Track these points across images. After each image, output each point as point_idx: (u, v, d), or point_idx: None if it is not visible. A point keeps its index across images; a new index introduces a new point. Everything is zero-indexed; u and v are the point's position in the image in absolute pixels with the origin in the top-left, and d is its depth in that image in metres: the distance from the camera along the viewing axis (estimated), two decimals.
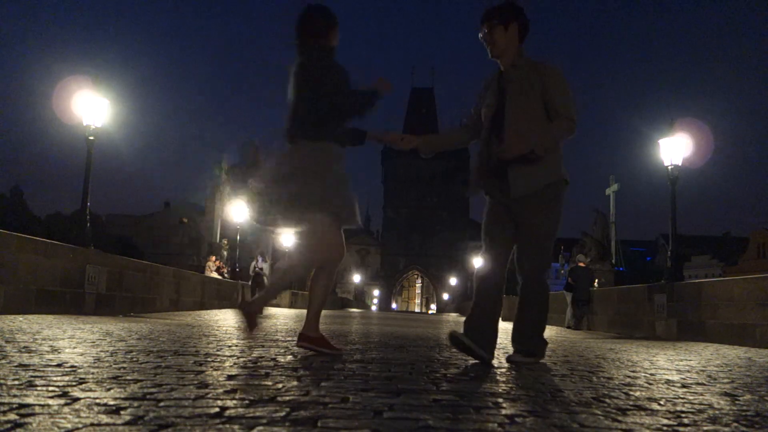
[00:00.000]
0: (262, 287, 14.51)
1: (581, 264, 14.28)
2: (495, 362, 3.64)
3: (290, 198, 3.35)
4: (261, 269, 14.78)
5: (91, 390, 1.97)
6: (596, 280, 16.40)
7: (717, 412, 2.06)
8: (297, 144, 3.42)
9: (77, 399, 1.79)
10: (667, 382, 2.98)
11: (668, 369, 3.81)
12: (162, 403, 1.78)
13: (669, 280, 10.43)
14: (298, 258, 3.60)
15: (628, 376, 3.17)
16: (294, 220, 3.46)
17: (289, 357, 3.44)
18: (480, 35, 3.57)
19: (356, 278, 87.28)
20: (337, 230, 3.46)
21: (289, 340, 5.00)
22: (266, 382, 2.32)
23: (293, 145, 3.43)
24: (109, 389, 2.01)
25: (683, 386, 2.80)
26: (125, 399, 1.83)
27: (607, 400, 2.19)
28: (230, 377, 2.44)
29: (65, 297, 8.63)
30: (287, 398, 1.96)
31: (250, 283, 15.64)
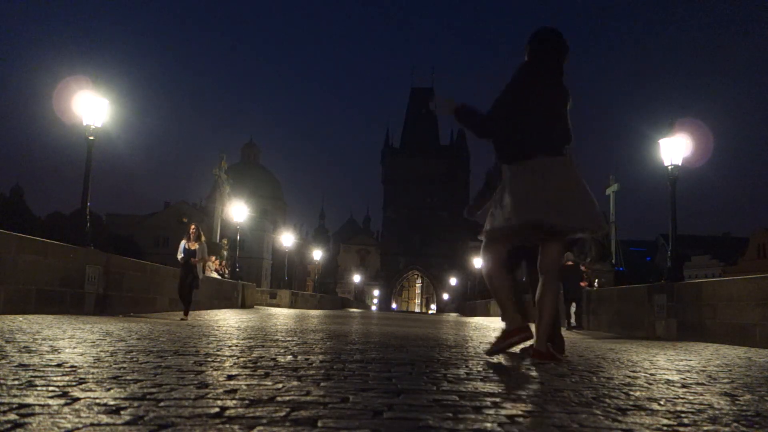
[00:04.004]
0: (193, 279, 9.86)
1: (569, 263, 14.32)
2: (494, 362, 3.64)
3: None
4: (193, 253, 9.86)
5: (91, 390, 1.97)
6: (596, 280, 16.37)
7: (717, 412, 2.06)
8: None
9: (77, 399, 1.79)
10: (667, 382, 2.98)
11: (668, 369, 3.81)
12: (162, 403, 1.78)
13: (669, 280, 10.42)
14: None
15: (628, 376, 3.17)
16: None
17: (289, 357, 3.44)
18: None
19: (356, 278, 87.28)
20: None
21: (289, 340, 5.00)
22: (266, 382, 2.32)
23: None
24: (109, 389, 2.01)
25: (683, 386, 2.80)
26: (125, 399, 1.83)
27: (607, 400, 2.19)
28: (230, 377, 2.44)
29: (65, 297, 8.63)
30: (287, 398, 1.96)
31: (180, 271, 10.09)
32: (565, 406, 2.02)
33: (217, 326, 7.45)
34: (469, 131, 3.85)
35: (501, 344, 3.64)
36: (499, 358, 3.77)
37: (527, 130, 3.61)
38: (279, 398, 1.96)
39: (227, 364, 2.96)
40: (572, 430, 1.64)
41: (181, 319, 8.98)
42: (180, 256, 10.02)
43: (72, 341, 3.94)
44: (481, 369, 3.25)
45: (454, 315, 40.87)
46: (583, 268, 14.83)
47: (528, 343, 3.73)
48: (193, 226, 10.30)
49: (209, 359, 3.14)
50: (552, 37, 3.76)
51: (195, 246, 9.91)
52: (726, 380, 3.21)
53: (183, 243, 10.03)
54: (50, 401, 1.74)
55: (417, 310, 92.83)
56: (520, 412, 1.89)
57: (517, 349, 3.94)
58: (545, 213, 3.41)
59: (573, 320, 13.75)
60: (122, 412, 1.63)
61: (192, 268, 9.87)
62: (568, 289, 13.80)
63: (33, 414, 1.56)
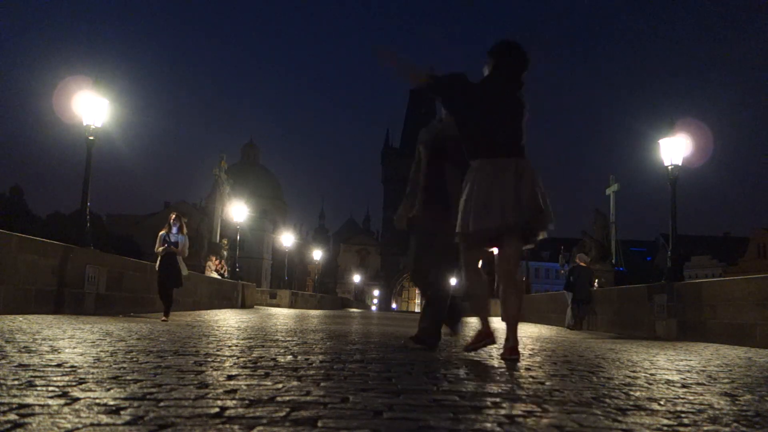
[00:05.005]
0: (176, 275, 8.77)
1: (582, 263, 14.28)
2: (495, 362, 3.64)
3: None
4: (175, 244, 8.71)
5: (91, 390, 1.97)
6: (596, 280, 16.38)
7: (717, 412, 2.06)
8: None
9: (77, 399, 1.79)
10: (667, 382, 2.98)
11: (668, 369, 3.81)
12: (162, 403, 1.78)
13: (669, 280, 10.42)
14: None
15: (628, 376, 3.17)
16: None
17: (289, 357, 3.44)
18: None
19: (356, 278, 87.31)
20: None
21: (289, 340, 5.01)
22: (266, 382, 2.32)
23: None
24: (109, 389, 2.01)
25: (683, 386, 2.80)
26: (125, 399, 1.83)
27: (607, 400, 2.19)
28: (230, 377, 2.44)
29: (65, 297, 8.63)
30: (287, 398, 1.96)
31: (157, 266, 8.78)
32: (565, 406, 2.02)
33: (217, 326, 7.45)
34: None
35: (477, 345, 3.99)
36: (498, 359, 3.77)
37: (484, 132, 3.81)
38: (279, 398, 1.96)
39: (227, 364, 2.96)
40: (572, 430, 1.64)
41: (162, 320, 8.10)
42: (159, 248, 8.74)
43: (72, 341, 3.94)
44: (481, 369, 3.25)
45: None
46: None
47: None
48: (173, 215, 9.10)
49: (209, 359, 3.14)
50: (513, 51, 3.92)
51: (180, 237, 8.87)
52: (726, 380, 3.21)
53: (163, 233, 8.79)
54: (50, 401, 1.74)
55: (417, 310, 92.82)
56: (520, 412, 1.89)
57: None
58: (498, 218, 3.57)
59: (574, 320, 13.75)
60: (122, 412, 1.63)
61: (174, 263, 8.72)
62: (578, 289, 13.77)
63: (33, 414, 1.56)
